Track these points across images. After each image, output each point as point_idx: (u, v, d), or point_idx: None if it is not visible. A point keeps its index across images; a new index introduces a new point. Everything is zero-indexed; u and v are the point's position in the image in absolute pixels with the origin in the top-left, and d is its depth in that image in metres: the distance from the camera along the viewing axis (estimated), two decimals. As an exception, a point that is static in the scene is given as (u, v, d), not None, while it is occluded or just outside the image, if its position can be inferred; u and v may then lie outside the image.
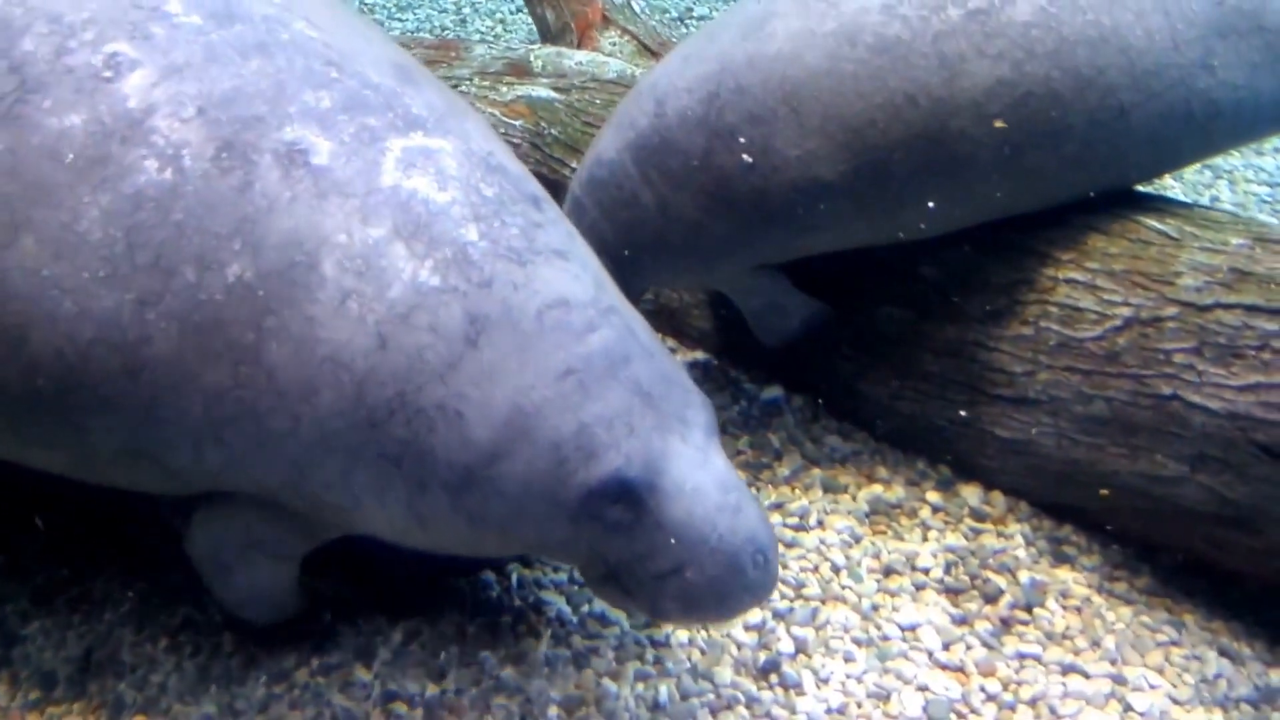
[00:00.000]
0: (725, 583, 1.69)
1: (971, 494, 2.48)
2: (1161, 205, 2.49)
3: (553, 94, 3.28)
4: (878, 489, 2.48)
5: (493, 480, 1.66)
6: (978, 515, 2.43)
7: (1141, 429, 2.21)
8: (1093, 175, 2.39)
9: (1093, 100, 2.26)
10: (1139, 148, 2.38)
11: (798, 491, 2.47)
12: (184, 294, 1.65)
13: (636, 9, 4.19)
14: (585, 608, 2.10)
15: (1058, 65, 2.23)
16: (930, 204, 2.34)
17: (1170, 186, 4.10)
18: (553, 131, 3.18)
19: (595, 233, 2.42)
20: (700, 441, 1.74)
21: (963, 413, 2.50)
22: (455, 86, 3.32)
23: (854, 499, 2.45)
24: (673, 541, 1.67)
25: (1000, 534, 2.39)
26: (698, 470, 1.71)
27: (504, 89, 3.34)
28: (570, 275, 1.76)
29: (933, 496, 2.47)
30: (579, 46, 4.09)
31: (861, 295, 2.66)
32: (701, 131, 2.33)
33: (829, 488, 2.48)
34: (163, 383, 1.66)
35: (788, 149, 2.28)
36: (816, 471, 2.53)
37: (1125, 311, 2.27)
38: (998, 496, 2.47)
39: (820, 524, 2.37)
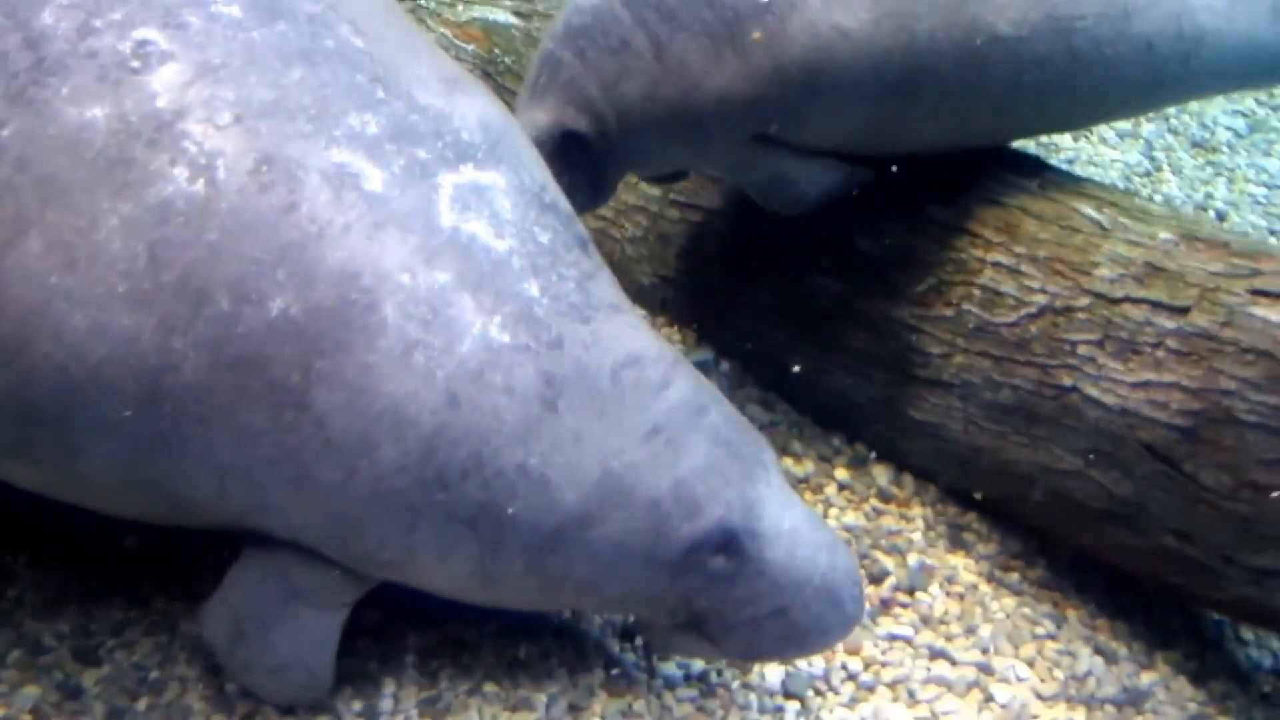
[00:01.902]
0: (828, 619, 1.72)
1: (882, 474, 2.47)
2: (1102, 193, 2.43)
3: (511, 19, 3.14)
4: (788, 463, 2.48)
5: (584, 543, 1.64)
6: (884, 496, 2.43)
7: (1043, 419, 2.18)
8: (1088, 90, 2.41)
9: None
10: (1131, 61, 2.39)
11: (704, 459, 2.48)
12: (217, 323, 1.52)
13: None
14: None
15: None
16: (939, 104, 2.25)
17: (1168, 179, 3.99)
18: (506, 60, 3.06)
19: (575, 89, 2.17)
20: (779, 483, 1.76)
21: (882, 391, 2.49)
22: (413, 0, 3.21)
23: (760, 470, 2.46)
24: (775, 585, 1.68)
25: (902, 516, 2.39)
26: (789, 511, 1.72)
27: (460, 8, 3.20)
28: (632, 329, 1.73)
29: (842, 474, 2.46)
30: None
31: (797, 265, 2.63)
32: None
33: (737, 457, 2.48)
34: (187, 415, 1.54)
35: None
36: (728, 440, 2.53)
37: (1041, 299, 2.23)
38: (908, 478, 2.46)
39: (719, 493, 2.38)
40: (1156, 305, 2.04)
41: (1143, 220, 2.28)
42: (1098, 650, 2.10)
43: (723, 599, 1.70)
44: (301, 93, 1.59)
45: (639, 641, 2.01)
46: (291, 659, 1.76)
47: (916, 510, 2.39)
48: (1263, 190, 3.85)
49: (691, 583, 1.69)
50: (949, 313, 2.37)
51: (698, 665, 1.98)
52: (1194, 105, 4.49)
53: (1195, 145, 4.18)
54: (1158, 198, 3.87)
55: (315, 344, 1.53)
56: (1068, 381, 2.13)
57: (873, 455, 2.50)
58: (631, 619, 1.97)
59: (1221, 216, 3.73)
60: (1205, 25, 2.49)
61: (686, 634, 1.77)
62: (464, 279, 1.59)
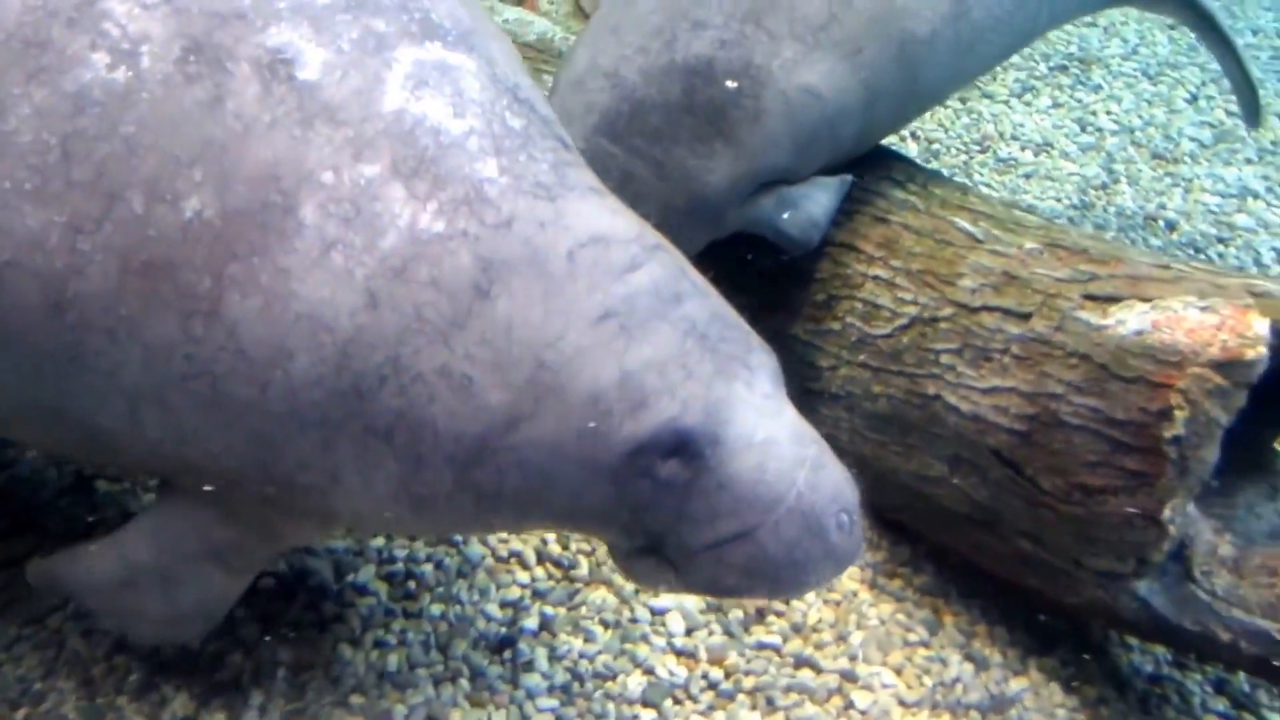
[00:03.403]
0: (804, 548, 1.46)
1: (779, 487, 2.50)
2: (981, 206, 2.46)
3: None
4: (685, 478, 2.53)
5: (512, 449, 1.46)
6: (778, 508, 2.46)
7: (914, 428, 2.21)
8: (984, 54, 2.70)
9: None
10: (1015, 18, 2.64)
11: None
12: (128, 225, 1.41)
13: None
14: (351, 577, 2.22)
15: None
16: (892, 107, 2.50)
17: (1124, 191, 3.97)
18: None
19: None
20: (768, 389, 1.51)
21: (779, 406, 2.53)
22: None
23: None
24: (740, 502, 1.45)
25: (794, 528, 2.41)
26: (768, 420, 1.48)
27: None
28: (609, 210, 1.55)
29: (738, 488, 2.50)
30: (520, 3, 4.14)
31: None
32: (675, 76, 2.27)
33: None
34: (94, 326, 1.43)
35: (768, 61, 2.28)
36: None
37: (912, 310, 2.27)
38: (804, 491, 2.49)
39: (610, 509, 2.43)
40: (1006, 313, 2.07)
41: (1014, 231, 2.31)
42: (969, 657, 2.11)
43: (678, 516, 1.48)
44: None
45: (507, 654, 2.07)
46: (192, 612, 1.71)
47: (808, 523, 2.42)
48: (1216, 200, 3.81)
49: (640, 493, 1.47)
50: (836, 326, 2.41)
51: (560, 676, 2.04)
52: (1160, 117, 4.48)
53: (1156, 157, 4.16)
54: (1110, 210, 3.87)
55: (229, 248, 1.42)
56: (932, 390, 2.16)
57: (771, 470, 2.54)
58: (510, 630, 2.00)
59: (1172, 226, 3.71)
60: None
61: (647, 560, 1.56)
62: (398, 168, 1.46)
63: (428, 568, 2.16)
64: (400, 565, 2.16)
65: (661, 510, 1.49)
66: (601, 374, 1.45)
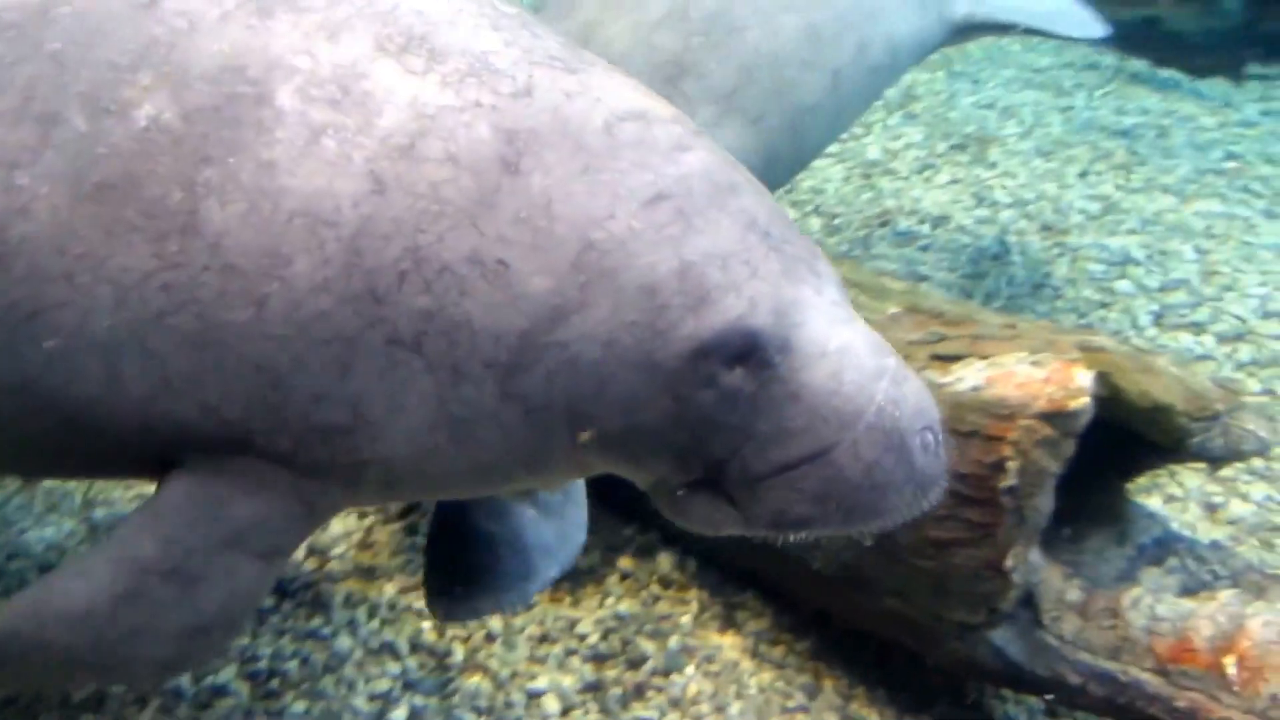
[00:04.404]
0: (886, 470, 1.28)
1: (666, 561, 2.51)
2: (852, 274, 2.54)
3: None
4: (573, 556, 2.53)
5: (561, 346, 1.26)
6: (665, 582, 2.46)
7: (785, 494, 2.24)
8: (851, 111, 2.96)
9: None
10: (873, 81, 2.90)
11: (488, 558, 2.53)
12: (72, 146, 1.24)
13: None
14: (209, 679, 2.13)
15: None
16: (793, 156, 2.73)
17: (1014, 261, 4.12)
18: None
19: None
20: (836, 296, 1.35)
21: (665, 479, 2.55)
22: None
23: (544, 565, 2.51)
24: (814, 417, 1.27)
25: (679, 600, 2.42)
26: (841, 327, 1.31)
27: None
28: (638, 90, 1.38)
29: (626, 564, 2.51)
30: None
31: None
32: None
33: (523, 554, 2.54)
34: (49, 273, 1.24)
35: None
36: (517, 538, 2.59)
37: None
38: (691, 563, 2.50)
39: (494, 590, 2.42)
40: (861, 374, 2.13)
41: (879, 297, 2.39)
42: (846, 718, 2.11)
43: (743, 435, 1.29)
44: None
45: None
46: (216, 617, 1.36)
47: (693, 594, 2.42)
48: (1101, 268, 3.97)
49: (702, 407, 1.28)
50: (712, 398, 2.46)
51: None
52: (1052, 191, 4.68)
53: (1046, 228, 4.33)
54: (1002, 279, 4.01)
55: (198, 151, 1.24)
56: (799, 454, 2.20)
57: (659, 542, 2.55)
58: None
59: (1057, 293, 3.84)
60: (899, 34, 2.96)
61: (700, 497, 1.36)
62: (383, 45, 1.30)
63: (293, 664, 2.13)
64: (264, 664, 2.12)
65: (724, 429, 1.30)
66: (658, 262, 1.26)
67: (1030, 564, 1.80)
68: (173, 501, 1.33)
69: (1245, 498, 2.76)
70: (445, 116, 1.27)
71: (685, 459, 1.34)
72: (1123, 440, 1.96)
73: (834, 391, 1.27)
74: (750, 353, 1.27)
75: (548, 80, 1.31)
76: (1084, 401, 1.72)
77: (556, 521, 2.15)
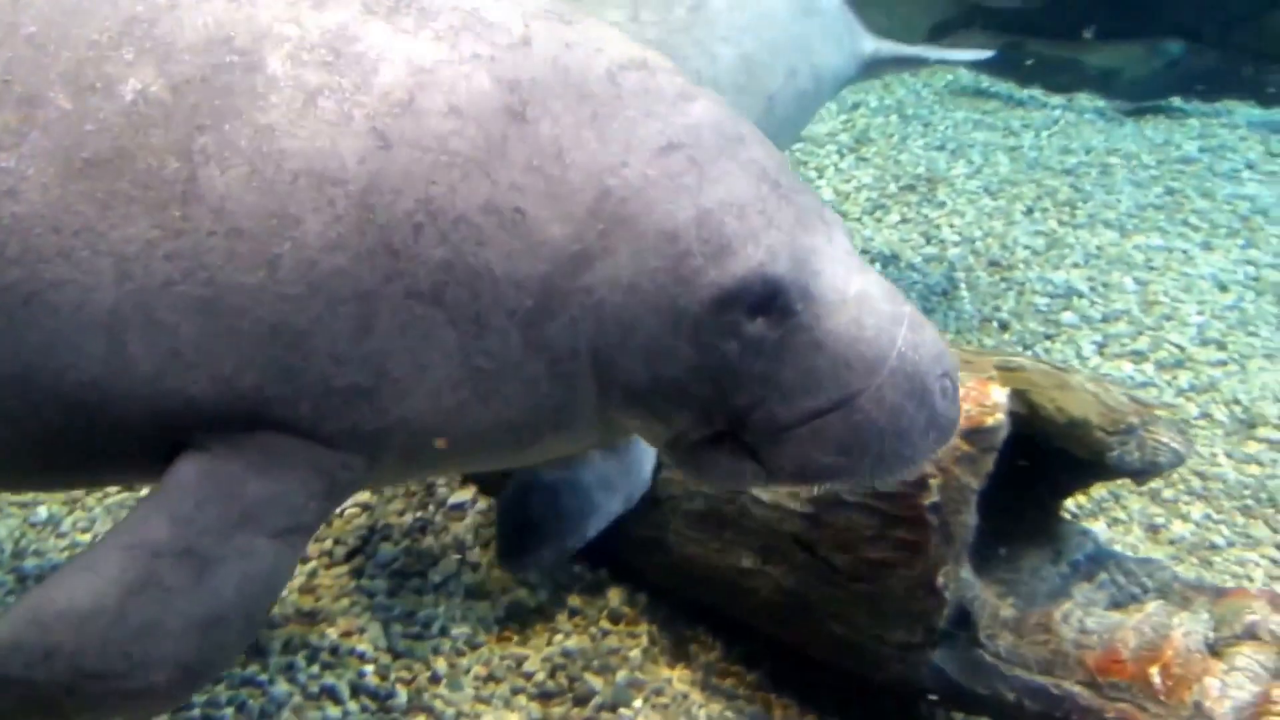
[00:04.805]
0: (910, 416, 1.29)
1: (616, 596, 2.51)
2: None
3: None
4: (522, 594, 2.53)
5: (585, 292, 1.27)
6: (614, 617, 2.47)
7: (728, 523, 2.26)
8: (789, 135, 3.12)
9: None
10: (804, 107, 3.08)
11: (437, 599, 2.53)
12: (58, 125, 1.23)
13: None
14: None
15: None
16: None
17: (963, 296, 4.20)
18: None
19: None
20: (847, 246, 1.37)
21: (613, 515, 2.57)
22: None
23: (494, 605, 2.50)
24: (838, 364, 1.28)
25: (629, 634, 2.42)
26: (858, 275, 1.33)
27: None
28: (634, 43, 1.40)
29: (574, 601, 2.51)
30: None
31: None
32: None
33: (472, 593, 2.54)
34: (44, 252, 1.21)
35: None
36: (467, 578, 2.59)
37: (721, 410, 2.36)
38: (642, 598, 2.51)
39: (442, 632, 2.41)
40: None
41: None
42: (795, 747, 2.12)
43: (767, 384, 1.29)
44: None
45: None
46: (234, 605, 1.27)
47: (643, 628, 2.43)
48: (1045, 300, 4.05)
49: (726, 357, 1.28)
50: (656, 433, 2.49)
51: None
52: (999, 229, 4.79)
53: (993, 264, 4.42)
54: (951, 314, 4.08)
55: (191, 120, 1.24)
56: (740, 485, 2.23)
57: (609, 579, 2.56)
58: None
59: (1004, 326, 3.91)
60: (821, 65, 3.12)
61: (720, 452, 1.36)
62: (370, 8, 1.31)
63: (228, 711, 2.11)
64: (197, 711, 2.09)
65: (748, 378, 1.30)
66: (676, 210, 1.27)
67: (964, 582, 1.83)
68: (183, 481, 1.29)
69: (1185, 518, 2.82)
70: (443, 70, 1.28)
71: (708, 411, 1.34)
72: (1052, 460, 2.01)
73: (857, 338, 1.29)
74: (772, 300, 1.28)
75: (545, 31, 1.32)
76: (999, 418, 1.76)
77: (619, 456, 2.09)
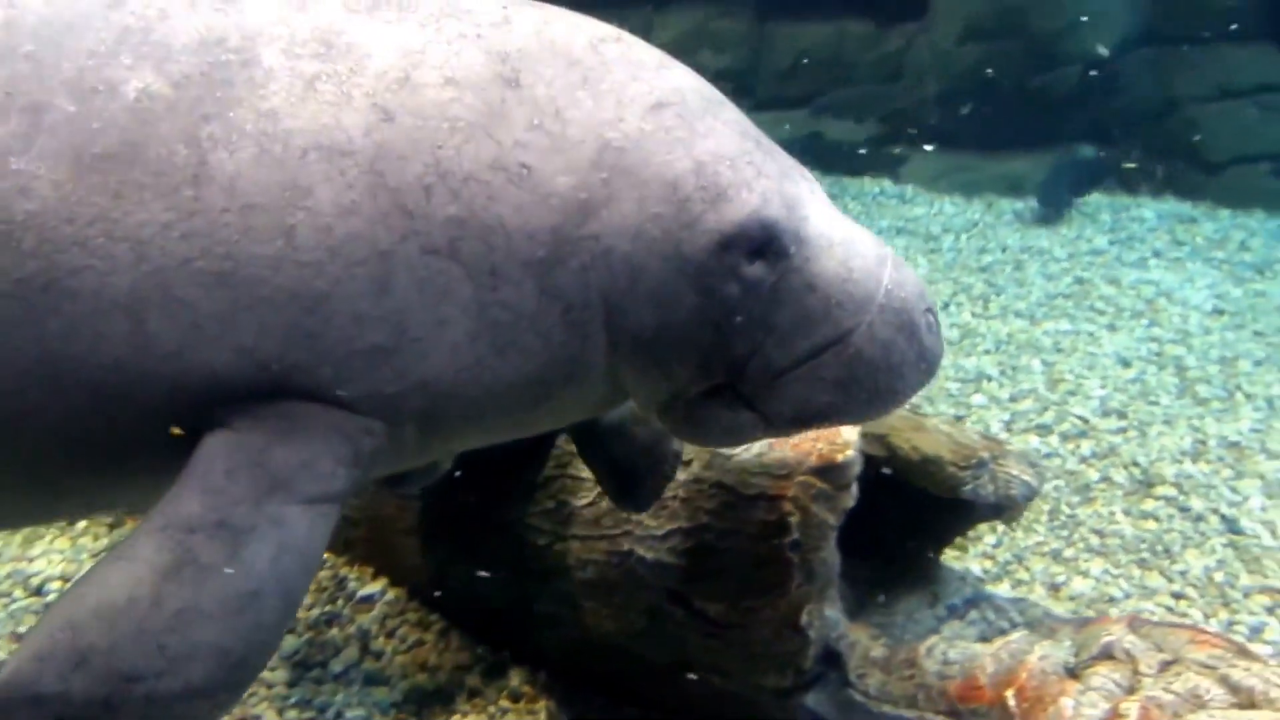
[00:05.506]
0: (900, 350, 1.37)
1: (517, 675, 2.49)
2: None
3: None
4: (422, 679, 2.51)
5: (594, 238, 1.34)
6: (514, 696, 2.44)
7: (617, 588, 2.28)
8: None
9: None
10: None
11: (335, 687, 2.50)
12: (65, 126, 1.28)
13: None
14: None
15: None
16: None
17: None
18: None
19: None
20: (825, 198, 1.45)
21: (515, 591, 2.57)
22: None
23: (390, 690, 2.48)
24: (831, 303, 1.36)
25: (528, 712, 2.40)
26: (840, 221, 1.42)
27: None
28: (610, 25, 1.49)
29: (474, 681, 2.49)
30: None
31: (440, 482, 2.79)
32: None
33: (371, 680, 2.51)
34: (61, 241, 1.26)
35: None
36: (368, 665, 2.56)
37: (609, 478, 2.40)
38: (542, 676, 2.49)
39: (337, 717, 2.38)
40: (677, 456, 2.21)
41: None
42: (683, 811, 2.08)
43: (765, 328, 1.37)
44: None
45: None
46: (270, 580, 1.27)
47: (542, 704, 2.40)
48: (957, 385, 4.17)
49: (727, 300, 1.35)
50: (551, 504, 2.52)
51: None
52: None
53: (910, 352, 4.56)
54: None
55: (195, 111, 1.30)
56: (626, 547, 2.26)
57: (510, 660, 2.54)
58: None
59: (916, 410, 4.01)
60: None
61: (720, 404, 1.43)
62: (351, 7, 1.39)
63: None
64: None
65: (747, 322, 1.37)
66: (674, 159, 1.35)
67: (829, 621, 1.85)
68: (210, 456, 1.31)
69: (1086, 574, 2.86)
70: (433, 49, 1.36)
71: (708, 362, 1.41)
72: (925, 506, 2.06)
73: (846, 278, 1.37)
74: (769, 243, 1.36)
75: (521, 14, 1.41)
76: (850, 454, 1.82)
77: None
